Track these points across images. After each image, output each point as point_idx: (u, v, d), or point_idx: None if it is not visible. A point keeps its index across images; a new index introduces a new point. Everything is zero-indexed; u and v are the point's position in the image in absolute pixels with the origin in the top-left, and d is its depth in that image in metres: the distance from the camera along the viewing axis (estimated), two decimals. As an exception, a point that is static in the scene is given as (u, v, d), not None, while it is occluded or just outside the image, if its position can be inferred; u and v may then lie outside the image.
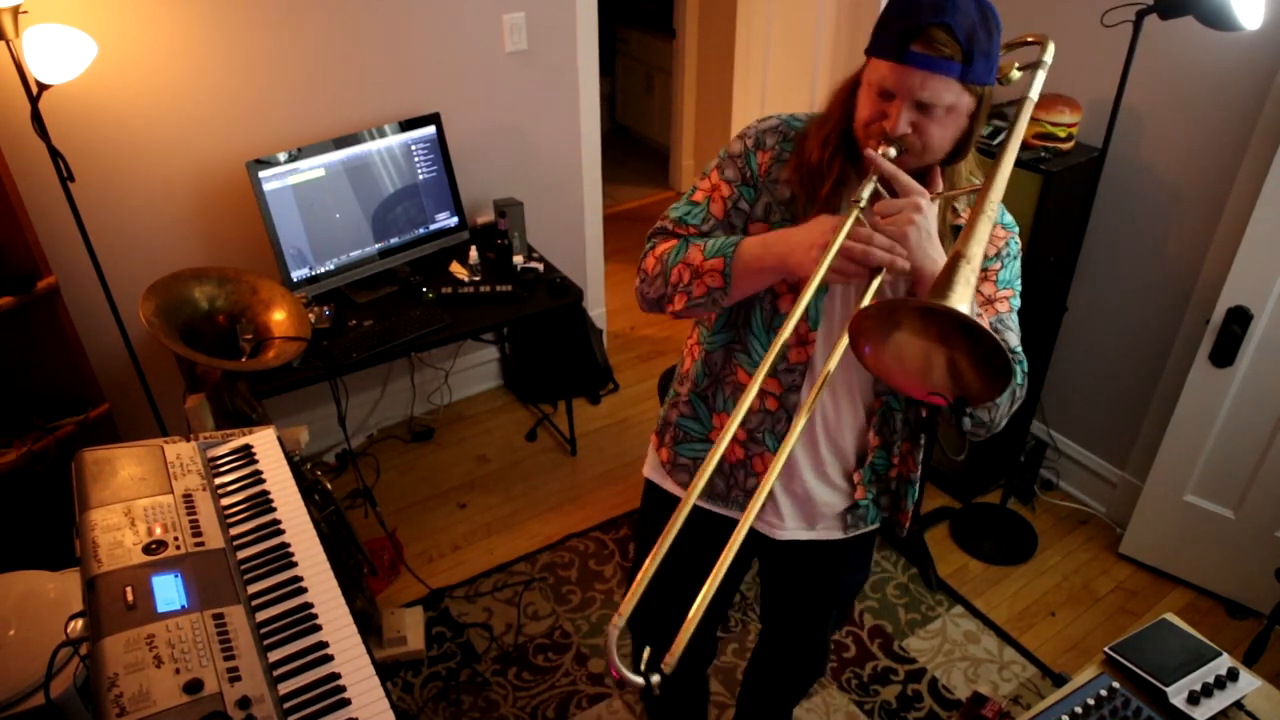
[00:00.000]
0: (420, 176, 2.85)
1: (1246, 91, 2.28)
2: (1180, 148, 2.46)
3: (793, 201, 1.36)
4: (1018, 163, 2.48)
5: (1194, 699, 1.48)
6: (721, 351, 1.48)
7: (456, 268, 2.95)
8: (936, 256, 1.18)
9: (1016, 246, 1.37)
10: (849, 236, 1.15)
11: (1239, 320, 2.30)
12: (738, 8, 4.53)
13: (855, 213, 1.16)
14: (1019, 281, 1.38)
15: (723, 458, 1.51)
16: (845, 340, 1.12)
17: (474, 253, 2.95)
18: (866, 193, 1.18)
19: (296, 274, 2.64)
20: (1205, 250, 2.48)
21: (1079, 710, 1.48)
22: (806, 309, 1.34)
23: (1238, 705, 1.50)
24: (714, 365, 1.50)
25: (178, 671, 1.17)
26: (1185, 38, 2.31)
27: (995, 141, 2.59)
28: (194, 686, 1.16)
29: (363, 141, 2.71)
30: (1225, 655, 1.56)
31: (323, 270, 2.70)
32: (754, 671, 2.06)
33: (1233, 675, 1.52)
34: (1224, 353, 2.36)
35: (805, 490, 1.53)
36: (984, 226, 1.10)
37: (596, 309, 3.78)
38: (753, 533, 1.56)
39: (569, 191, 3.40)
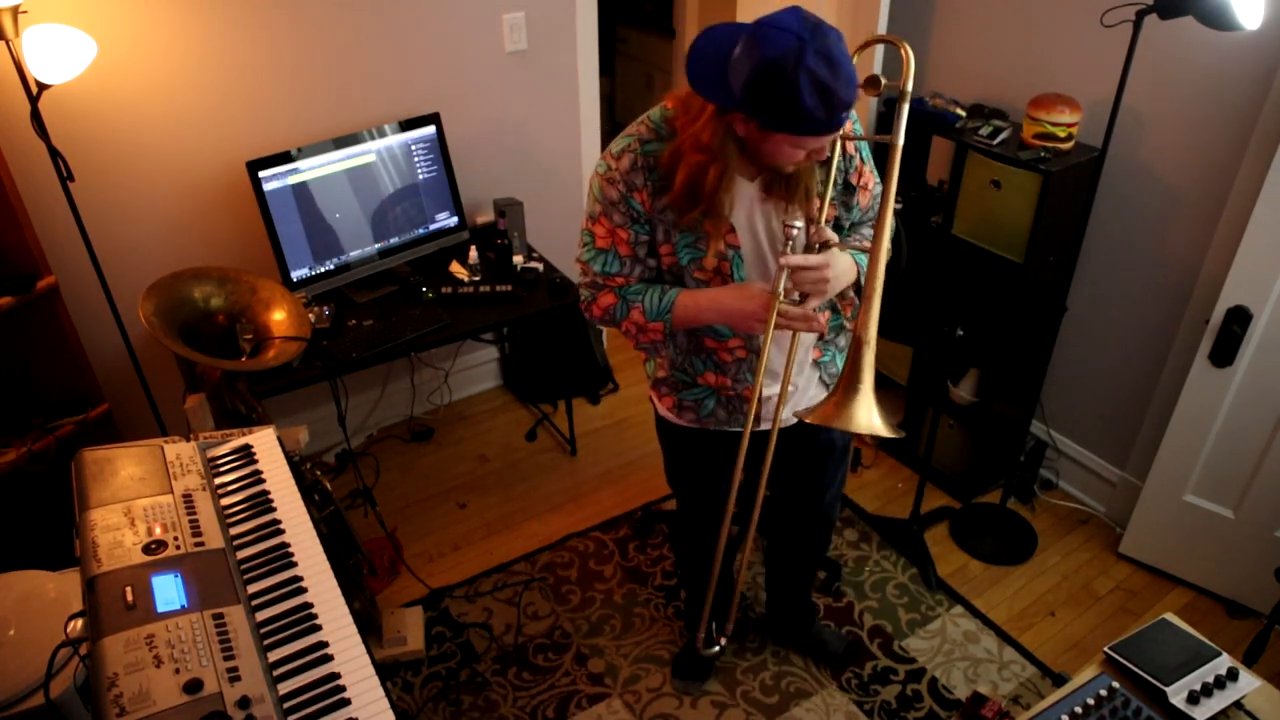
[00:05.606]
0: (420, 176, 2.85)
1: (1246, 91, 2.28)
2: (1180, 148, 2.46)
3: (686, 222, 1.58)
4: (1019, 162, 2.49)
5: (1194, 699, 1.49)
6: (684, 332, 1.77)
7: (456, 267, 2.95)
8: (843, 287, 1.64)
9: (859, 127, 1.67)
10: (786, 316, 1.56)
11: (1239, 320, 2.30)
12: (737, 8, 4.52)
13: (780, 285, 1.53)
14: (871, 159, 1.75)
15: (720, 394, 1.84)
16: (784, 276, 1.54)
17: (474, 252, 2.95)
18: (781, 286, 1.53)
19: (296, 274, 2.64)
20: (1205, 250, 2.48)
21: (1079, 710, 1.48)
22: (733, 276, 1.65)
23: (1237, 705, 1.50)
24: (680, 342, 1.80)
25: (178, 671, 1.17)
26: (1185, 38, 2.31)
27: (996, 141, 2.59)
28: (194, 686, 1.16)
29: (363, 141, 2.70)
30: (1225, 655, 1.56)
31: (323, 270, 2.70)
32: (772, 557, 2.40)
33: (1232, 675, 1.52)
34: (1224, 353, 2.36)
35: (792, 384, 1.82)
36: (874, 308, 1.49)
37: (596, 309, 3.78)
38: (756, 438, 1.84)
39: (569, 191, 3.40)
